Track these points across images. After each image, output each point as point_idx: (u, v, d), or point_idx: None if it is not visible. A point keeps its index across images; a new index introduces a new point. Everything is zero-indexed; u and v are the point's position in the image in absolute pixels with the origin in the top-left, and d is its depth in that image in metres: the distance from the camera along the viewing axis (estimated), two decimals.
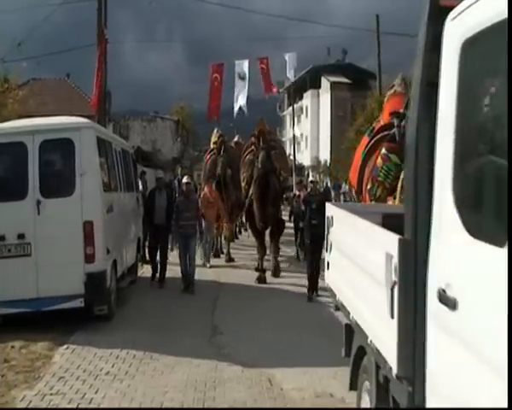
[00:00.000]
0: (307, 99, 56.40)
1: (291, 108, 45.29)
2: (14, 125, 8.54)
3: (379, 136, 9.31)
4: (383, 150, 8.56)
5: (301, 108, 57.68)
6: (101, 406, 5.27)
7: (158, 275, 10.89)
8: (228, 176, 13.51)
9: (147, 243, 12.12)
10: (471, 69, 2.42)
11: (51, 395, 5.48)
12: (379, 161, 8.59)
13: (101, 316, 7.97)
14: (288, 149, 39.24)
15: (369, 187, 8.84)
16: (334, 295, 4.86)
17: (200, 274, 11.42)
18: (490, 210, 2.26)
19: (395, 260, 2.82)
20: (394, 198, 7.96)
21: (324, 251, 5.66)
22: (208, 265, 13.00)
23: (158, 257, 11.01)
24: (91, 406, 5.26)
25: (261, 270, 11.54)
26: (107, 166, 8.90)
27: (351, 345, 4.43)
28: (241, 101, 19.58)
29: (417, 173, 2.77)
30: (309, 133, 56.44)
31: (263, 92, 20.44)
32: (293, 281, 11.13)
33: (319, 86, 53.98)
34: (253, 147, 12.50)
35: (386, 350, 3.08)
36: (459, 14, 2.46)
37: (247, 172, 12.38)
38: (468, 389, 2.19)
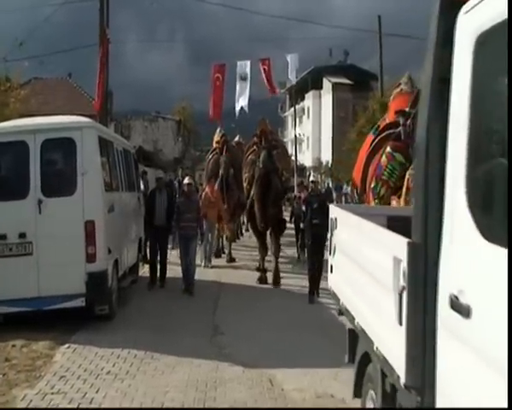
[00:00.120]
0: (309, 100, 56.49)
1: (293, 108, 45.31)
2: (15, 125, 8.53)
3: (384, 134, 9.28)
4: (388, 149, 8.53)
5: (303, 109, 57.74)
6: (102, 405, 5.25)
7: (158, 276, 10.85)
8: (230, 176, 13.45)
9: (148, 243, 12.11)
10: (485, 65, 2.32)
11: (52, 394, 5.47)
12: (383, 159, 8.55)
13: (103, 315, 7.96)
14: (290, 150, 39.22)
15: (372, 185, 8.79)
16: (337, 300, 4.71)
17: (202, 274, 11.40)
18: (505, 211, 2.13)
19: (404, 264, 2.72)
20: (399, 197, 7.93)
21: (326, 251, 5.61)
22: (210, 265, 12.97)
23: (158, 257, 11.00)
24: (92, 405, 5.24)
25: (262, 270, 11.49)
26: (109, 165, 8.88)
27: (355, 351, 4.30)
28: (242, 101, 19.53)
29: (428, 173, 2.65)
30: (310, 134, 56.51)
31: (265, 93, 20.46)
32: (295, 282, 11.09)
33: (321, 87, 54.09)
34: (254, 147, 12.42)
35: (394, 358, 2.97)
36: (473, 7, 2.36)
37: (248, 173, 12.30)
38: (481, 402, 2.07)
